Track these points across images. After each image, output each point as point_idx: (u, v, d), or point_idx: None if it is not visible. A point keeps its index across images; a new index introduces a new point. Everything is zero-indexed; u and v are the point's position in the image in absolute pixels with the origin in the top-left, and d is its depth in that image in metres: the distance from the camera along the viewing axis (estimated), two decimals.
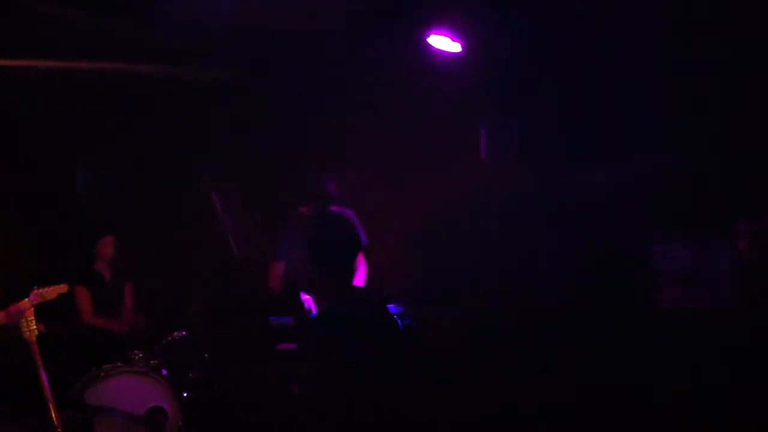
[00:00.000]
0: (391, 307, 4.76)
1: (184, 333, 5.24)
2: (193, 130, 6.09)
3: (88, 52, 5.39)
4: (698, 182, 4.65)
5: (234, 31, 5.30)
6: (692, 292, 4.57)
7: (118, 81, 5.68)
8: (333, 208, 5.00)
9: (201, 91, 5.89)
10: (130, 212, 6.22)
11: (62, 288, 4.40)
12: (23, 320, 4.10)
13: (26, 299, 4.18)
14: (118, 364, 4.90)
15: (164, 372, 5.04)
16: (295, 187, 5.23)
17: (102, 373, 4.78)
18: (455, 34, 5.12)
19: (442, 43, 5.14)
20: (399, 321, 4.67)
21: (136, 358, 5.02)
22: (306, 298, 4.79)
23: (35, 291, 4.26)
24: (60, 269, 5.09)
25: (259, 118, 6.02)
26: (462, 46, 5.15)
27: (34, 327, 4.13)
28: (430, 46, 5.18)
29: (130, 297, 5.88)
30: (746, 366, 4.15)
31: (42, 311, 4.24)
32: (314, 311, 4.69)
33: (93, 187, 6.54)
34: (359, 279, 5.03)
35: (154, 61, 5.61)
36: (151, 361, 5.04)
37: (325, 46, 5.50)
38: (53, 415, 4.08)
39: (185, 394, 4.97)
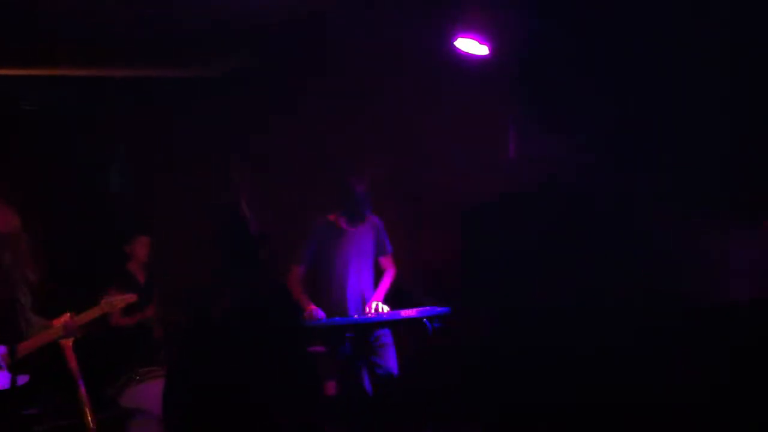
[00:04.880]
0: (424, 309, 4.76)
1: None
2: (219, 127, 6.07)
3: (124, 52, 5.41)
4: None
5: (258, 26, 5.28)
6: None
7: (145, 80, 5.71)
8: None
9: (231, 88, 5.88)
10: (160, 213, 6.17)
11: (131, 298, 4.32)
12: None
13: (95, 308, 4.12)
14: (153, 368, 4.85)
15: None
16: (324, 190, 5.20)
17: (137, 377, 4.77)
18: (483, 37, 5.10)
19: (470, 46, 5.10)
20: (429, 324, 4.66)
21: (167, 354, 4.97)
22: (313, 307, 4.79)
23: (105, 300, 4.19)
24: (92, 271, 5.11)
25: (286, 114, 5.98)
26: (489, 49, 5.13)
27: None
28: (457, 49, 5.13)
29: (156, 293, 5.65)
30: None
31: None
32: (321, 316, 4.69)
33: (125, 187, 6.49)
34: (384, 285, 5.02)
35: (179, 60, 5.61)
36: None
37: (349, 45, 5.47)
38: (88, 417, 4.06)
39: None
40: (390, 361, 4.84)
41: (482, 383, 5.02)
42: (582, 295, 4.90)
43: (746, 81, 4.47)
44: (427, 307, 4.77)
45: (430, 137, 5.61)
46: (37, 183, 5.70)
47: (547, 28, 5.04)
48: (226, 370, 2.82)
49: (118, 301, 4.26)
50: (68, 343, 4.08)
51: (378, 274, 5.09)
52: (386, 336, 4.89)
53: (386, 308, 4.80)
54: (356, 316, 4.81)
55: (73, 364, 4.09)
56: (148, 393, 4.73)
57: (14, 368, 3.82)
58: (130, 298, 4.34)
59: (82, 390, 4.09)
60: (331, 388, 4.98)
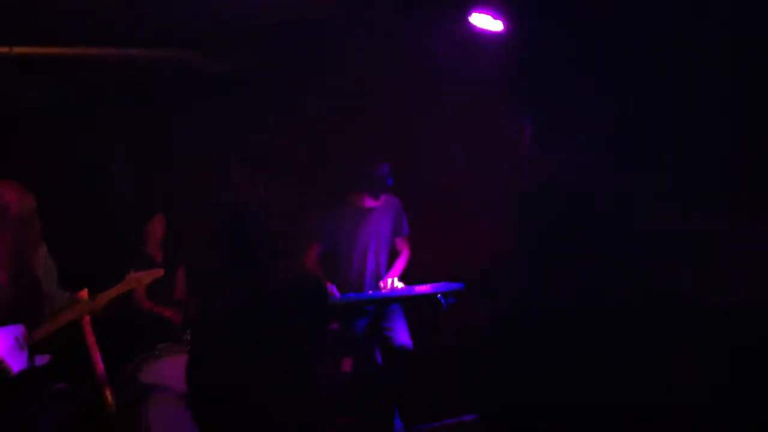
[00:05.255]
0: (438, 285, 4.80)
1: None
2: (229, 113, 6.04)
3: (123, 37, 5.39)
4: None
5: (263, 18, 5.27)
6: None
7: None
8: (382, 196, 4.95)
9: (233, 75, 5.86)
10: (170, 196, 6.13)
11: (158, 272, 4.24)
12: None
13: (119, 284, 4.06)
14: (172, 344, 4.77)
15: None
16: (347, 171, 5.19)
17: (156, 352, 4.68)
18: (497, 12, 5.05)
19: (485, 21, 5.06)
20: (443, 300, 4.71)
21: (189, 338, 4.94)
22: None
23: (131, 275, 4.12)
24: (111, 255, 5.07)
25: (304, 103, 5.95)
26: (504, 25, 5.07)
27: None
28: (472, 26, 5.09)
29: (183, 280, 5.61)
30: None
31: None
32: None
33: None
34: (399, 264, 5.06)
35: (192, 47, 5.61)
36: None
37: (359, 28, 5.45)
38: (107, 393, 4.02)
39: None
40: (403, 336, 4.87)
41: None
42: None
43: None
44: (441, 283, 4.81)
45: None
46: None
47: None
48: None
49: (144, 276, 4.19)
50: (86, 318, 4.03)
51: (393, 257, 5.12)
52: (398, 313, 4.93)
53: (401, 284, 4.84)
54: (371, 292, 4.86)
55: (91, 339, 4.04)
56: (167, 369, 4.62)
57: (34, 348, 3.78)
58: (157, 272, 4.27)
59: (100, 366, 4.05)
60: (346, 365, 5.01)
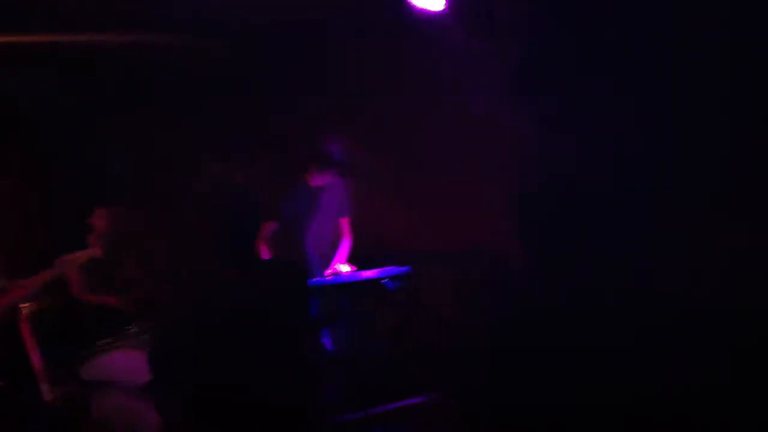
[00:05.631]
0: (390, 268, 4.77)
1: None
2: (186, 93, 6.01)
3: (81, 23, 5.33)
4: None
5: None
6: None
7: (111, 51, 5.62)
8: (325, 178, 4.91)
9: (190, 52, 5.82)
10: (125, 184, 6.11)
11: (94, 251, 4.18)
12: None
13: (48, 270, 4.00)
14: (113, 338, 4.78)
15: None
16: (299, 149, 5.20)
17: (98, 348, 4.67)
18: None
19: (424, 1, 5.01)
20: (389, 283, 4.69)
21: (131, 332, 4.90)
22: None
23: (60, 259, 4.06)
24: (52, 244, 5.04)
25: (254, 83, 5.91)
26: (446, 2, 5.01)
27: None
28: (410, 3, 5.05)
29: (127, 270, 5.53)
30: None
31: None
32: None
33: (89, 159, 6.42)
34: (343, 249, 5.03)
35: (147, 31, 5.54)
36: (147, 335, 4.90)
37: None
38: (47, 389, 3.98)
39: None
40: (348, 325, 4.86)
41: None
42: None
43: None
44: (388, 267, 4.79)
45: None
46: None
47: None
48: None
49: (76, 258, 4.13)
50: (23, 313, 3.98)
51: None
52: (345, 301, 4.92)
53: (347, 268, 4.81)
54: (316, 278, 4.83)
55: (26, 333, 4.00)
56: (109, 364, 4.67)
57: None
58: (92, 252, 4.20)
59: (38, 361, 4.00)
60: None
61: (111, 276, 5.51)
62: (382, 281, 4.80)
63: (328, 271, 4.92)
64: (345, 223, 5.16)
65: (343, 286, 4.81)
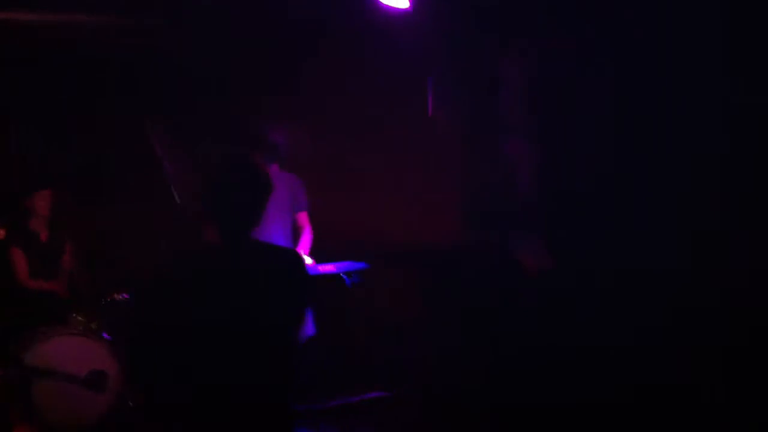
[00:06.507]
0: (342, 264, 4.77)
1: (126, 295, 5.03)
2: (133, 77, 5.93)
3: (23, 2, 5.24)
4: None
5: None
6: None
7: (53, 32, 5.54)
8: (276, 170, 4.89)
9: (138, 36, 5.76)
10: (67, 168, 6.03)
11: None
12: None
13: None
14: (57, 325, 4.75)
15: (105, 336, 4.85)
16: (242, 137, 5.18)
17: (40, 334, 4.64)
18: None
19: None
20: (347, 279, 4.69)
21: (76, 320, 4.87)
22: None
23: None
24: None
25: (202, 66, 5.87)
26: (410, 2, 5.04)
27: None
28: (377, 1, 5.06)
29: (70, 257, 5.54)
30: None
31: None
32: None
33: (29, 144, 6.30)
34: (304, 242, 5.02)
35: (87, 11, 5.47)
36: (92, 324, 4.89)
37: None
38: None
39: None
40: (307, 321, 4.85)
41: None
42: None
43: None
44: (345, 262, 4.78)
45: (348, 92, 5.60)
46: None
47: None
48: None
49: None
50: None
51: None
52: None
53: (308, 261, 4.79)
54: None
55: None
56: (53, 351, 4.64)
57: None
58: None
59: None
60: None
61: (56, 262, 5.48)
62: (342, 275, 4.81)
63: None
64: (303, 217, 5.16)
65: None
